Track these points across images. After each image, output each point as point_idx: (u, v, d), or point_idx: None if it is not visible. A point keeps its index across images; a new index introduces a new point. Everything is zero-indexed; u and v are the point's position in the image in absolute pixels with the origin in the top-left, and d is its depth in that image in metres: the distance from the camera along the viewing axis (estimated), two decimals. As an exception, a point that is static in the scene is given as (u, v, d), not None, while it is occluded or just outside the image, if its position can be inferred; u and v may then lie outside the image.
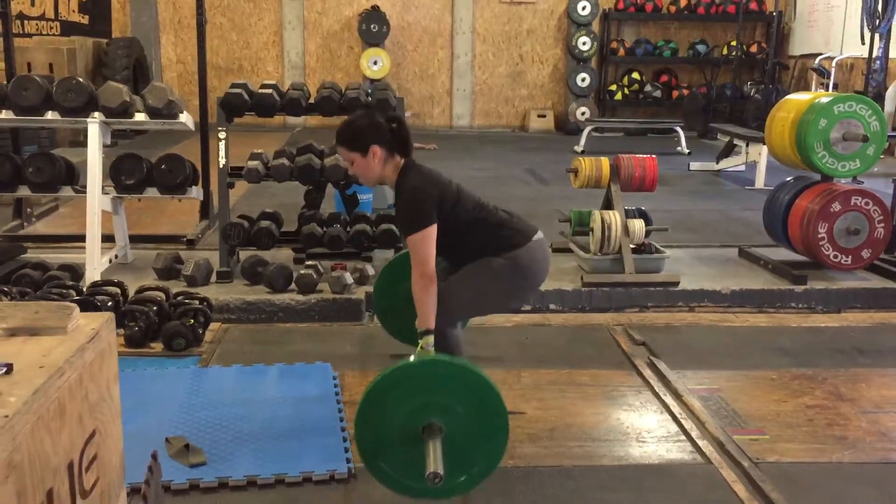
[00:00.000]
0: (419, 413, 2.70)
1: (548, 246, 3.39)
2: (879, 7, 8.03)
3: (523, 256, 3.23)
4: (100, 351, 1.55)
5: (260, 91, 5.05)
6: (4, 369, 1.32)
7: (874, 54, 8.11)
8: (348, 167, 3.31)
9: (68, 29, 11.67)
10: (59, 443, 1.36)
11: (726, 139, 9.65)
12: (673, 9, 13.46)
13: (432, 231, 3.09)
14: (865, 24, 8.19)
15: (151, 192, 5.15)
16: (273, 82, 5.20)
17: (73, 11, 11.81)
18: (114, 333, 1.65)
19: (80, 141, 9.24)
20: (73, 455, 1.42)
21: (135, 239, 5.57)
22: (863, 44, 8.35)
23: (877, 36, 8.26)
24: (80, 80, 4.92)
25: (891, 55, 10.12)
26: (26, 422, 1.24)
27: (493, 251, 3.23)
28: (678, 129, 11.11)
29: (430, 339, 3.09)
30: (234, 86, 5.05)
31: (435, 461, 2.57)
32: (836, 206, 5.08)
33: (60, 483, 1.36)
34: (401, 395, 2.70)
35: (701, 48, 13.51)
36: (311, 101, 5.11)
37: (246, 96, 4.98)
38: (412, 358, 2.92)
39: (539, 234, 3.33)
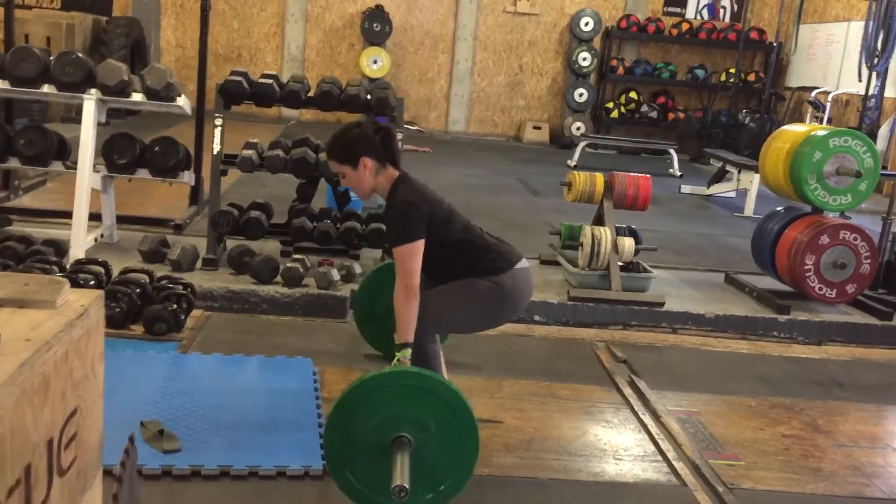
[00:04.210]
0: (389, 425, 2.67)
1: (531, 274, 3.36)
2: (879, 45, 8.11)
3: (506, 282, 3.24)
4: (87, 328, 1.53)
5: (260, 80, 5.02)
6: (-9, 340, 1.29)
7: (870, 92, 8.20)
8: (340, 179, 3.29)
9: (68, 4, 11.58)
10: (41, 418, 1.33)
11: (719, 165, 9.69)
12: (675, 32, 13.52)
13: (419, 245, 3.10)
14: (864, 61, 8.28)
15: (143, 173, 5.11)
16: (273, 73, 5.18)
17: (75, -14, 11.72)
18: (102, 311, 1.63)
19: (71, 117, 9.17)
20: (54, 432, 1.39)
21: (122, 220, 5.52)
22: (860, 80, 8.44)
23: (874, 74, 8.35)
24: (80, 55, 4.87)
25: (886, 94, 10.24)
26: (10, 395, 1.21)
27: (478, 274, 3.24)
28: (672, 150, 11.16)
29: (408, 352, 3.06)
30: (234, 73, 5.02)
31: (402, 475, 2.53)
32: (825, 239, 5.11)
33: (39, 459, 1.34)
34: (372, 405, 2.67)
35: (700, 73, 13.58)
36: (311, 94, 5.09)
37: (246, 85, 4.95)
38: (386, 369, 2.89)
39: (524, 262, 3.33)
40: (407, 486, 2.50)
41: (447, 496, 2.76)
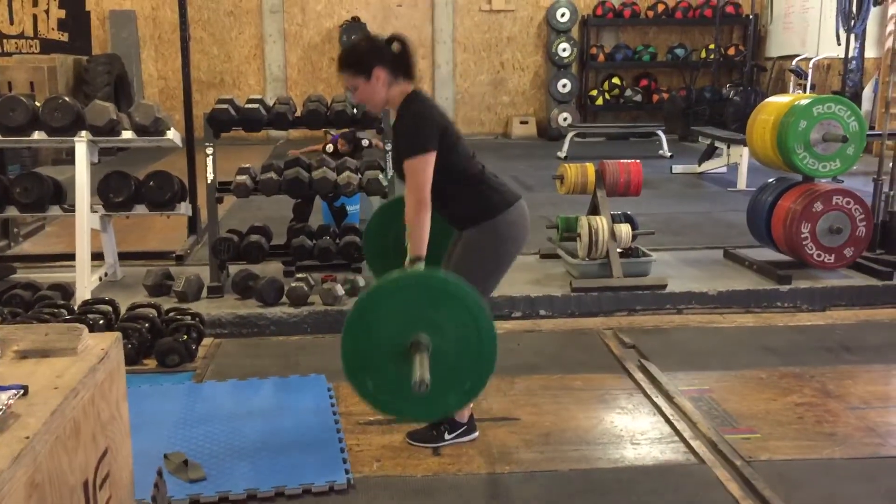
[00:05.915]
0: (407, 328, 2.66)
1: (527, 209, 3.27)
2: (854, 8, 8.16)
3: (501, 223, 3.17)
4: (110, 371, 1.58)
5: (246, 106, 5.07)
6: (21, 391, 1.34)
7: (850, 54, 8.25)
8: (352, 94, 3.18)
9: (48, 47, 11.65)
10: (76, 462, 1.38)
11: (707, 142, 9.75)
12: (651, 14, 13.58)
13: (432, 158, 3.02)
14: (840, 25, 8.33)
15: (140, 209, 5.16)
16: (259, 97, 5.23)
17: (53, 29, 11.79)
18: (121, 352, 1.68)
19: (62, 159, 9.22)
20: (88, 473, 1.44)
21: (123, 256, 5.57)
22: (838, 44, 8.48)
23: (852, 36, 8.40)
24: (67, 99, 4.93)
25: (866, 54, 10.28)
26: (45, 442, 1.26)
27: (475, 217, 3.16)
28: (659, 132, 11.21)
29: (421, 265, 3.00)
30: (220, 101, 5.07)
31: (422, 370, 2.52)
32: (819, 206, 5.16)
33: (77, 501, 1.39)
34: (389, 309, 2.67)
35: (679, 52, 13.64)
36: (298, 114, 5.14)
37: (233, 112, 5.00)
38: (399, 272, 2.86)
39: (521, 201, 3.25)
40: (427, 380, 2.49)
41: (470, 395, 2.78)
